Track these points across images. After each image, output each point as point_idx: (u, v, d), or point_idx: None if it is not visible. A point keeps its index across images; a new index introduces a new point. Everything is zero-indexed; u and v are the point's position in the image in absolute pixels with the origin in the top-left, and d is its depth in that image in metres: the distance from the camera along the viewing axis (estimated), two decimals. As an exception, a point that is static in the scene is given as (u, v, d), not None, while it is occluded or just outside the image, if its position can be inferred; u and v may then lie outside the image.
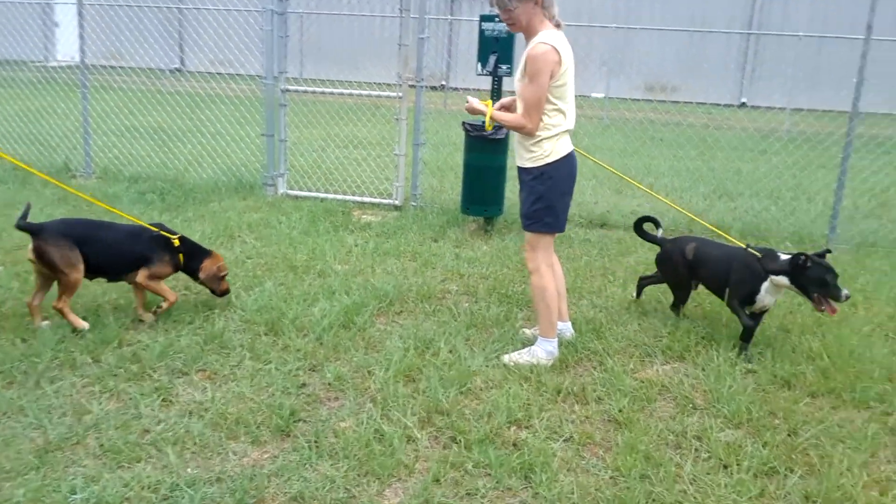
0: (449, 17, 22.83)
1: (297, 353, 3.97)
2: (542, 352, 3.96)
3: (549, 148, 3.82)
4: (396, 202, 7.46)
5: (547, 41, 3.66)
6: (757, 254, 4.11)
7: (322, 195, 7.67)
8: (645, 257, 5.92)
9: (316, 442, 3.15)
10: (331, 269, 5.32)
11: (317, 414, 3.38)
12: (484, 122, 4.09)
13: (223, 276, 4.51)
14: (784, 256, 4.02)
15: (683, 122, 15.57)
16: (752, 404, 3.45)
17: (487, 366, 3.87)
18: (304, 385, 3.65)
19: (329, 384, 3.66)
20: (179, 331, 4.18)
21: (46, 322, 4.17)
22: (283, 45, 7.66)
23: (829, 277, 3.87)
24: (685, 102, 20.68)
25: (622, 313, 4.66)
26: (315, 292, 4.82)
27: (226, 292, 4.55)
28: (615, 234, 6.70)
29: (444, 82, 20.79)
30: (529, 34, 3.78)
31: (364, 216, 7.08)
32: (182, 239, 4.42)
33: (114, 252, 4.23)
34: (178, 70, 25.04)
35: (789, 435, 3.25)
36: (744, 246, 4.24)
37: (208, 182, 8.01)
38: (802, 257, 3.90)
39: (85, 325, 4.11)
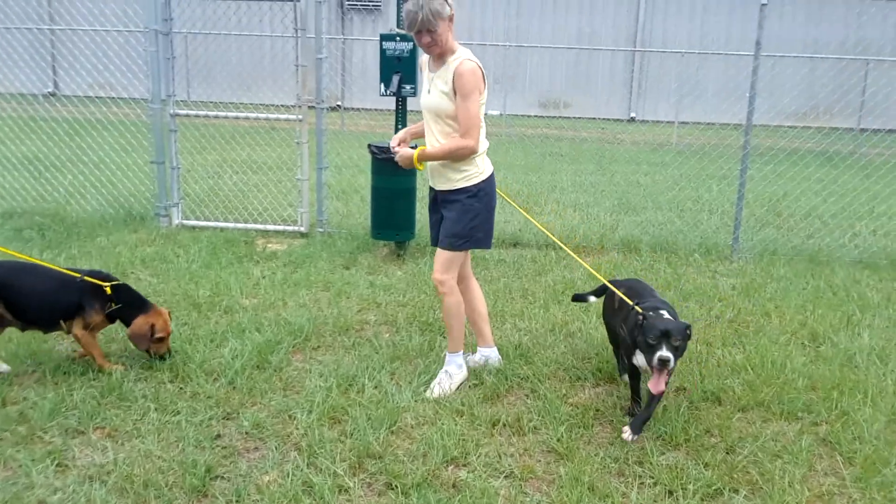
0: (343, 36, 22.60)
1: (209, 400, 3.64)
2: (455, 367, 3.91)
3: (481, 165, 3.78)
4: (302, 229, 7.16)
5: (471, 58, 3.59)
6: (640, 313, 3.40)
7: (222, 224, 7.26)
8: (561, 276, 5.90)
9: (237, 501, 2.85)
10: (238, 305, 4.98)
11: (236, 468, 3.08)
12: (395, 153, 3.90)
13: (161, 338, 3.96)
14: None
15: (578, 138, 15.98)
16: (687, 423, 3.41)
17: (416, 401, 3.67)
18: (218, 436, 3.34)
19: (247, 433, 3.36)
20: (71, 384, 3.76)
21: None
22: (170, 67, 7.23)
23: (652, 338, 3.21)
24: (579, 118, 21.32)
25: (547, 336, 4.58)
26: (223, 331, 4.48)
27: (163, 356, 4.01)
28: (529, 253, 6.66)
29: (339, 102, 20.51)
30: (445, 53, 3.65)
31: (269, 245, 6.74)
32: (116, 287, 3.96)
33: (39, 300, 3.83)
34: (53, 94, 23.58)
35: (728, 453, 3.22)
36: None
37: (93, 215, 7.44)
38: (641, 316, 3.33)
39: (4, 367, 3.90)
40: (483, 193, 3.79)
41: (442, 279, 3.82)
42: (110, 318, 3.96)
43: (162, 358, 3.99)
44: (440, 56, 3.67)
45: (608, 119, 21.60)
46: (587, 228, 7.52)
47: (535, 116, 21.04)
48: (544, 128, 18.15)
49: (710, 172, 11.19)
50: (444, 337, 4.52)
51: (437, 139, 3.73)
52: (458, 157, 3.67)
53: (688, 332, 3.28)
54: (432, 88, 3.69)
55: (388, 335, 4.57)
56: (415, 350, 4.30)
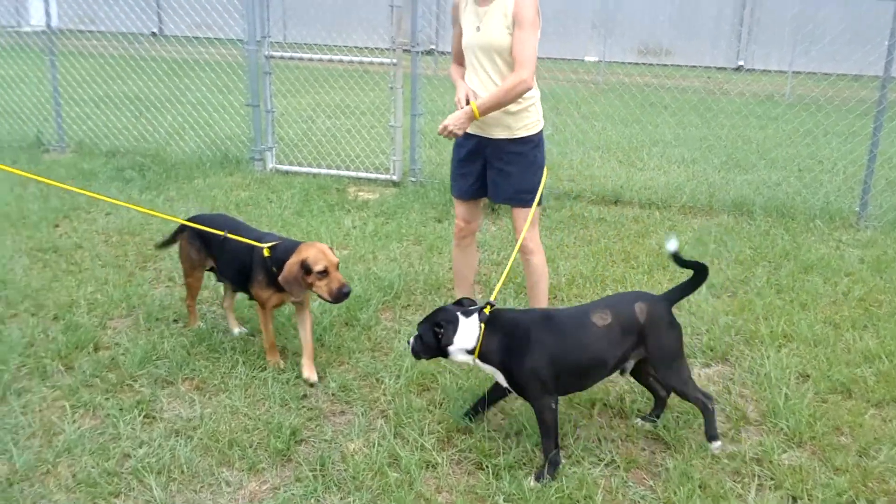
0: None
1: (296, 357, 3.53)
2: None
3: (539, 111, 3.52)
4: (394, 177, 6.98)
5: None
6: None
7: (314, 170, 7.17)
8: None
9: (321, 469, 2.73)
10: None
11: (321, 432, 2.96)
12: None
13: (322, 271, 3.17)
14: None
15: (680, 87, 15.07)
16: (812, 418, 3.05)
17: (510, 371, 3.45)
18: (304, 397, 3.23)
19: (333, 395, 3.24)
20: (162, 332, 3.73)
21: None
22: (265, 8, 7.09)
23: None
24: (681, 66, 20.16)
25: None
26: (312, 283, 4.37)
27: (339, 294, 3.19)
28: (631, 212, 6.27)
29: (433, 46, 20.10)
30: None
31: (361, 193, 6.60)
32: (273, 247, 3.34)
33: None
34: (156, 35, 24.14)
35: (861, 456, 2.86)
36: None
37: (191, 156, 7.49)
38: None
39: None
40: (543, 144, 3.56)
41: (529, 237, 3.56)
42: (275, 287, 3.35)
43: (339, 298, 3.21)
44: None
45: (713, 67, 20.32)
46: (694, 187, 7.02)
47: (634, 64, 20.05)
48: (644, 76, 17.24)
49: (829, 128, 10.31)
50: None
51: (492, 80, 3.39)
52: (515, 95, 3.27)
53: None
54: (483, 24, 3.35)
55: (480, 296, 4.36)
56: (508, 314, 4.07)
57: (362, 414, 3.08)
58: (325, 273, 3.17)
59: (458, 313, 2.77)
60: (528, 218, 3.49)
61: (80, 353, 3.47)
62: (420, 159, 7.10)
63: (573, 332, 2.77)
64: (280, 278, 3.21)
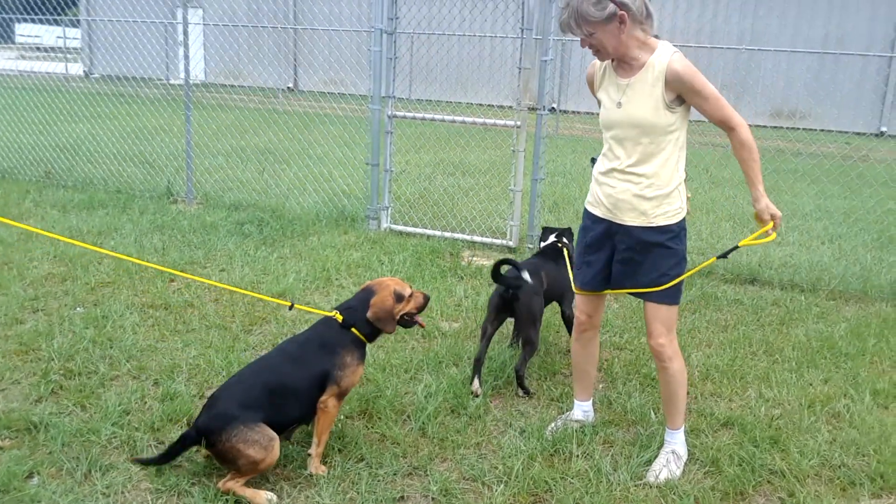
0: (564, 37, 21.97)
1: (395, 447, 3.22)
2: (681, 446, 3.24)
3: (683, 197, 3.09)
4: (511, 243, 6.67)
5: (676, 50, 2.91)
6: None
7: (428, 231, 6.98)
8: (816, 329, 4.87)
9: None
10: (437, 329, 4.58)
11: (417, 546, 2.62)
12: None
13: (410, 294, 3.19)
14: None
15: (818, 153, 14.04)
16: None
17: (636, 485, 3.00)
18: (402, 498, 2.90)
19: (433, 500, 2.89)
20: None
21: None
22: (392, 68, 7.06)
23: None
24: (817, 130, 18.94)
25: (804, 414, 3.66)
26: (418, 361, 4.08)
27: (426, 302, 3.24)
28: (770, 294, 5.64)
29: (554, 104, 19.90)
30: (627, 56, 2.94)
31: (475, 258, 6.32)
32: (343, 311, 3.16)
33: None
34: (291, 89, 25.36)
35: None
36: None
37: (309, 212, 7.49)
38: None
39: None
40: (685, 234, 3.12)
41: (664, 342, 3.10)
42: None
43: (426, 304, 3.24)
44: (622, 61, 2.98)
45: (850, 132, 18.95)
46: (843, 268, 6.29)
47: (766, 127, 19.02)
48: (776, 140, 16.25)
49: None
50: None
51: (636, 156, 2.99)
52: (754, 149, 2.99)
53: None
54: (626, 99, 2.96)
55: (601, 387, 3.92)
56: (634, 413, 3.61)
57: (464, 527, 2.72)
58: (410, 296, 3.18)
59: None
60: (658, 316, 3.08)
61: (173, 426, 3.30)
62: (538, 225, 6.76)
63: None
64: (371, 315, 3.07)
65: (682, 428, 3.25)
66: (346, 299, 3.26)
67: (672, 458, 3.16)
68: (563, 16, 2.88)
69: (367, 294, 3.15)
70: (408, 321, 3.22)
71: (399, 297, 3.15)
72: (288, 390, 2.93)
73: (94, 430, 3.20)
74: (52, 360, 3.88)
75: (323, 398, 2.99)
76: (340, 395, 3.04)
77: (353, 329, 3.08)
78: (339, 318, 3.09)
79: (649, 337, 3.14)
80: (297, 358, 3.01)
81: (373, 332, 3.14)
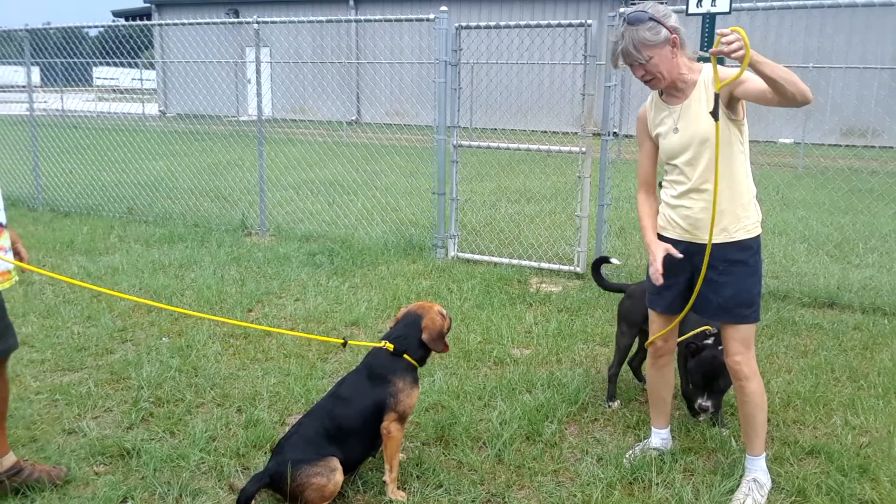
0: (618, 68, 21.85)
1: (472, 474, 3.25)
2: (763, 474, 3.17)
3: (758, 210, 3.10)
4: (578, 269, 6.65)
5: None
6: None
7: (495, 259, 7.03)
8: (902, 354, 4.70)
9: None
10: (509, 356, 4.60)
11: (498, 573, 2.63)
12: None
13: (446, 315, 3.29)
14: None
15: (893, 171, 13.53)
16: None
17: (718, 515, 2.95)
18: (481, 526, 2.92)
19: (513, 527, 2.91)
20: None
21: None
22: (456, 98, 7.19)
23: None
24: (891, 148, 18.23)
25: (893, 441, 3.53)
26: (492, 388, 4.11)
27: (450, 327, 3.32)
28: (851, 318, 5.47)
29: (616, 129, 19.79)
30: (680, 80, 2.98)
31: (543, 285, 6.33)
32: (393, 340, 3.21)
33: None
34: (355, 121, 25.94)
35: None
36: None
37: (377, 242, 7.64)
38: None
39: None
40: (760, 248, 3.09)
41: (741, 360, 3.07)
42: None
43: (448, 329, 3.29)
44: (669, 89, 3.02)
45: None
46: (929, 291, 6.04)
47: (836, 146, 18.45)
48: (847, 158, 15.75)
49: None
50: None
51: (707, 173, 2.97)
52: (800, 89, 2.58)
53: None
54: (683, 123, 3.00)
55: (678, 414, 3.86)
56: (714, 441, 3.55)
57: (545, 555, 2.72)
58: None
59: None
60: (737, 336, 3.04)
61: (257, 452, 3.41)
62: (605, 250, 6.73)
63: None
64: (426, 338, 3.14)
65: (764, 455, 3.18)
66: (388, 331, 3.29)
67: (755, 486, 3.09)
68: (620, 45, 2.91)
69: (413, 318, 3.20)
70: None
71: (443, 316, 3.25)
72: (345, 432, 3.00)
73: (184, 456, 3.33)
74: (142, 388, 4.06)
75: (384, 424, 3.05)
76: (401, 419, 3.08)
77: (406, 355, 3.13)
78: (391, 347, 3.14)
79: (727, 356, 3.12)
80: (348, 398, 3.07)
81: (424, 355, 3.20)
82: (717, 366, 3.41)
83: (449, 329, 3.29)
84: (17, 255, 3.08)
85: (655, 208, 3.25)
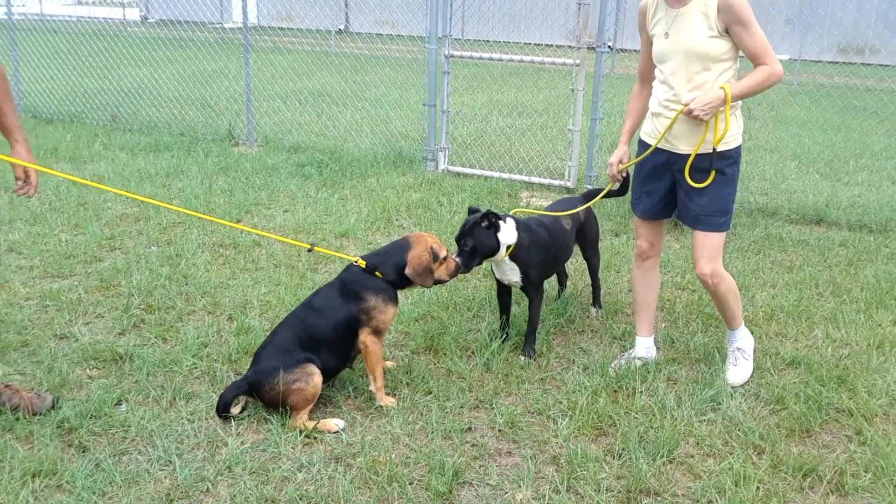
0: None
1: (461, 382, 3.32)
2: (746, 340, 3.45)
3: (740, 122, 3.14)
4: (569, 184, 6.63)
5: None
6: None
7: (486, 172, 6.98)
8: (885, 270, 4.76)
9: (484, 518, 2.49)
10: (498, 269, 4.63)
11: (485, 476, 2.71)
12: None
13: (445, 257, 3.22)
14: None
15: (889, 89, 13.38)
16: None
17: (700, 421, 3.04)
18: (469, 429, 3.00)
19: (500, 431, 2.99)
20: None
21: None
22: (448, 6, 6.96)
23: None
24: (888, 66, 18.00)
25: (872, 354, 3.62)
26: (480, 299, 4.15)
27: (456, 272, 3.28)
28: (837, 235, 5.51)
29: (610, 43, 19.34)
30: None
31: (533, 199, 6.31)
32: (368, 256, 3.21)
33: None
34: (342, 31, 25.19)
35: None
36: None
37: (367, 154, 7.55)
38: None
39: None
40: (739, 158, 3.15)
41: (710, 271, 3.19)
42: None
43: (456, 274, 3.28)
44: None
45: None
46: (917, 209, 6.08)
47: (833, 63, 18.17)
48: (845, 76, 15.53)
49: None
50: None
51: (690, 85, 3.02)
52: (769, 85, 2.98)
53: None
54: (674, 30, 3.00)
55: (664, 325, 3.93)
56: (697, 352, 3.62)
57: (531, 458, 2.80)
58: (444, 259, 3.23)
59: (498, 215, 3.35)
60: (706, 243, 3.16)
61: (249, 358, 3.44)
62: (597, 165, 6.69)
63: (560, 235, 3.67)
64: (409, 272, 3.12)
65: (742, 325, 3.43)
66: (384, 245, 3.31)
67: (739, 353, 3.36)
68: None
69: (403, 245, 3.18)
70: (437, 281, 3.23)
71: (435, 256, 3.18)
72: (317, 341, 3.03)
73: (176, 361, 3.38)
74: (132, 295, 4.07)
75: (361, 339, 3.08)
76: (377, 333, 3.10)
77: (377, 273, 3.12)
78: (363, 263, 3.14)
79: (696, 268, 3.23)
80: (321, 310, 3.08)
81: (400, 280, 3.16)
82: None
83: (452, 276, 3.24)
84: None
85: (644, 105, 3.31)
